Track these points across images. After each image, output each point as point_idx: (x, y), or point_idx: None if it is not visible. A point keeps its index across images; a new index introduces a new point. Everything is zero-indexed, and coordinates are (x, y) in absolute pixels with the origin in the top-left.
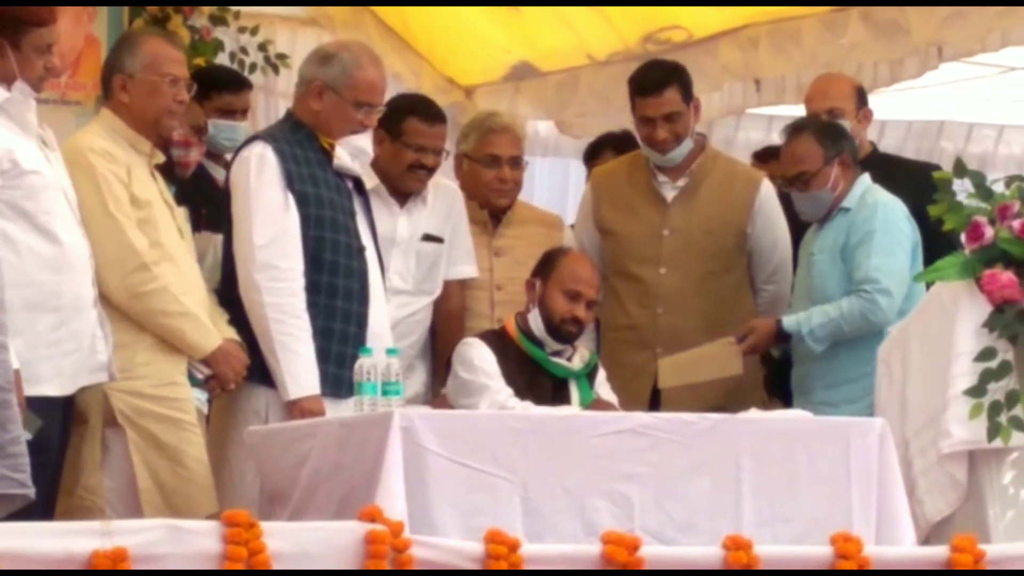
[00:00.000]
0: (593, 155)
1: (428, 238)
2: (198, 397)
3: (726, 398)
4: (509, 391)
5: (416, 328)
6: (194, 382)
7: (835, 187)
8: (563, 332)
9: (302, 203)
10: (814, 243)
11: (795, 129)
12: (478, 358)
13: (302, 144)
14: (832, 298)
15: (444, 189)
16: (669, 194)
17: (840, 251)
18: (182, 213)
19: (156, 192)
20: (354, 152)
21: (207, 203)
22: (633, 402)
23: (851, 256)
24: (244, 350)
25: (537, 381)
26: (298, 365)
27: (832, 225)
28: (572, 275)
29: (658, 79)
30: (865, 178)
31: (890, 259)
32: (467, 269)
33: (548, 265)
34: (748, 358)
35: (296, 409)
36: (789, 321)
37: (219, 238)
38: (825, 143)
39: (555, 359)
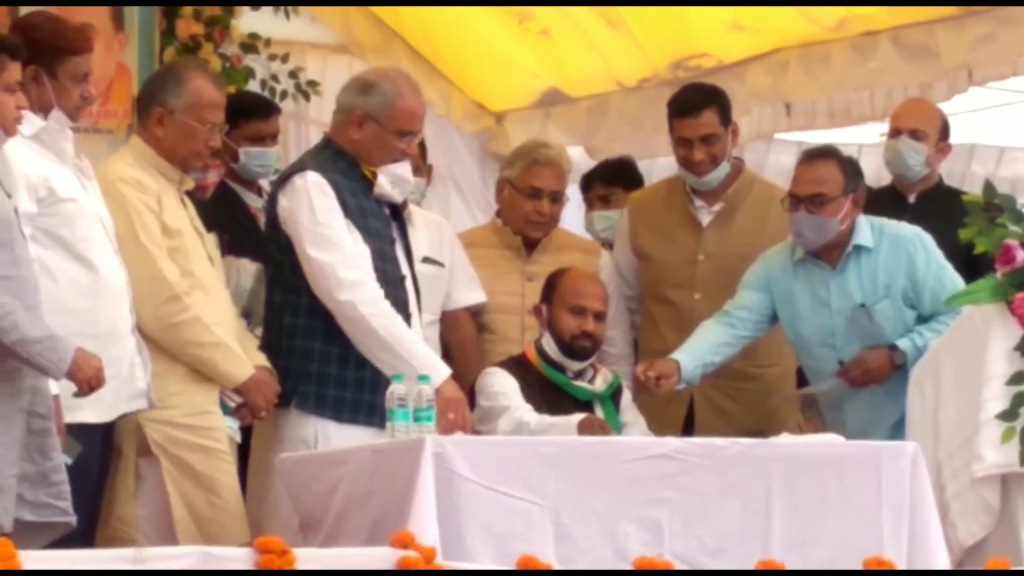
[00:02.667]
0: (587, 187)
1: (428, 260)
2: (230, 425)
3: (760, 423)
4: (528, 407)
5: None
6: (226, 410)
7: (843, 221)
8: (576, 348)
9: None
10: (845, 291)
11: (820, 153)
12: (497, 384)
13: (345, 174)
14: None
15: (433, 220)
16: (705, 219)
17: (901, 293)
18: (212, 240)
19: (186, 220)
20: (394, 180)
21: (233, 228)
22: (667, 427)
23: (923, 290)
24: (275, 377)
25: (561, 406)
26: (426, 354)
27: (858, 267)
28: (573, 291)
29: (697, 101)
30: (862, 216)
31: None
32: (473, 296)
33: (551, 287)
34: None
35: (446, 389)
36: (905, 343)
37: (244, 262)
38: (848, 174)
39: (577, 382)
